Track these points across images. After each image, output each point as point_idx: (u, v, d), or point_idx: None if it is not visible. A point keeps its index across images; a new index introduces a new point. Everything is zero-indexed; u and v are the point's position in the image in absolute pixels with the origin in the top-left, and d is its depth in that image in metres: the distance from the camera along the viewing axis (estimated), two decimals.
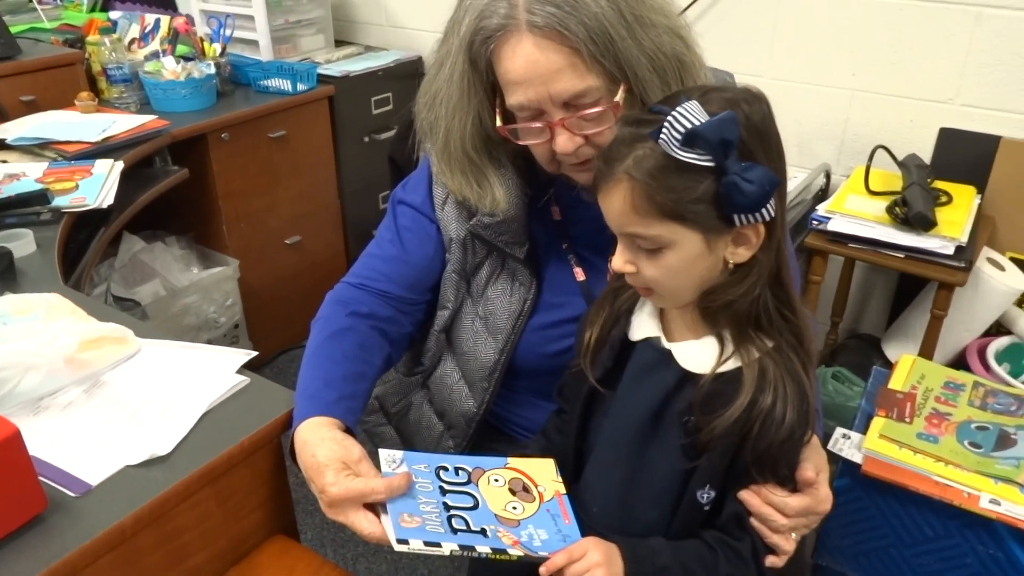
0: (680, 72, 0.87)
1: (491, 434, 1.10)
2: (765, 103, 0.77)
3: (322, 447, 0.81)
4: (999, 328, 1.79)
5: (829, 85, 1.94)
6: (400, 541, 0.74)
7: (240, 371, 0.97)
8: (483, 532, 0.78)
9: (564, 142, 0.86)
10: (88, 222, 1.59)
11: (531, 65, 0.83)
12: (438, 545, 0.75)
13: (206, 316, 2.20)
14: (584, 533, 0.83)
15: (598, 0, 0.81)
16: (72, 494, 0.78)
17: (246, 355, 1.00)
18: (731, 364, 0.78)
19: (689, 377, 0.81)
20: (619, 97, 0.84)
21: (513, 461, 0.88)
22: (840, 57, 1.90)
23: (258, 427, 0.88)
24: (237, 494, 0.88)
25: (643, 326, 0.85)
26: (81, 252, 1.55)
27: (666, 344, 0.83)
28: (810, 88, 1.95)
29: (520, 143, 0.91)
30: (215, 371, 0.97)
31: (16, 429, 0.71)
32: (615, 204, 0.75)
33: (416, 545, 0.75)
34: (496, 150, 0.96)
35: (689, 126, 0.69)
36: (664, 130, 0.70)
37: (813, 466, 0.82)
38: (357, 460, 0.81)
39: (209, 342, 2.20)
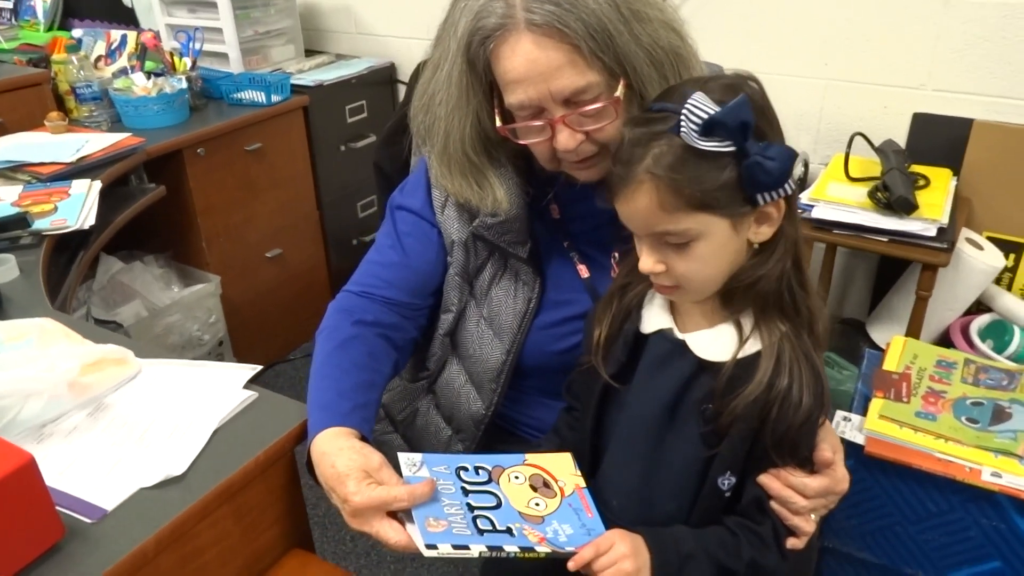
0: (677, 65, 0.88)
1: (500, 436, 1.09)
2: (758, 82, 0.79)
3: (341, 457, 0.80)
4: (980, 306, 1.83)
5: (803, 75, 1.97)
6: (429, 547, 0.74)
7: (247, 385, 0.96)
8: (509, 531, 0.77)
9: (565, 139, 0.87)
10: (67, 244, 1.56)
11: (531, 63, 0.83)
12: (466, 548, 0.75)
13: (190, 334, 2.17)
14: (606, 526, 0.83)
15: None
16: (88, 520, 0.77)
17: (252, 370, 0.99)
18: (749, 349, 0.79)
19: (704, 366, 0.81)
20: (619, 92, 0.85)
21: (531, 457, 0.87)
22: (813, 47, 1.93)
23: (272, 441, 0.87)
24: (254, 510, 0.87)
25: (655, 318, 0.86)
26: (63, 275, 1.52)
27: (679, 335, 0.83)
28: (785, 79, 1.98)
29: (520, 142, 0.91)
30: (222, 387, 0.95)
31: (31, 457, 0.70)
32: (640, 206, 0.75)
33: (445, 549, 0.74)
34: (495, 150, 0.96)
35: (705, 115, 0.70)
36: (683, 123, 0.71)
37: (830, 447, 0.83)
38: (378, 468, 0.80)
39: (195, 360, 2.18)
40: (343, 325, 0.98)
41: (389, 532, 0.76)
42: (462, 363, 1.07)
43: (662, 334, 0.84)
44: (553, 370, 0.99)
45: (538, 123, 0.87)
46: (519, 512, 0.80)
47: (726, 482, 0.81)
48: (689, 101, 0.70)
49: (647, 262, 0.78)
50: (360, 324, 0.98)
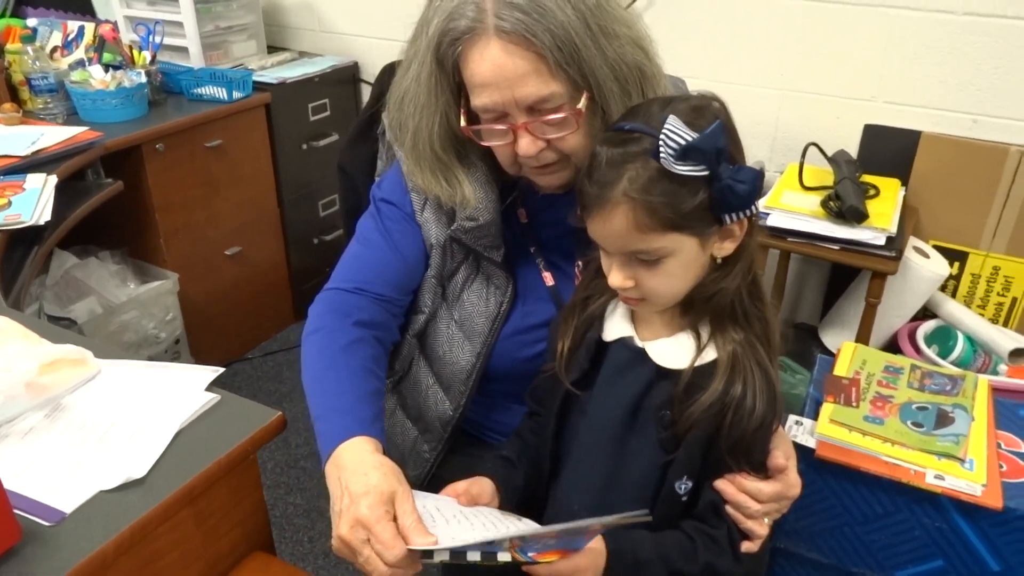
0: (641, 82, 0.90)
1: (466, 439, 1.10)
2: (722, 102, 0.81)
3: (375, 474, 0.78)
4: (926, 312, 1.90)
5: (760, 85, 2.01)
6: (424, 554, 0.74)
7: (209, 388, 0.95)
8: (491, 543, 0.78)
9: (526, 145, 0.88)
10: (21, 240, 1.53)
11: (497, 69, 0.84)
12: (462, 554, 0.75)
13: (146, 332, 2.13)
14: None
15: (564, 9, 0.83)
16: (46, 523, 0.76)
17: (214, 372, 0.98)
18: (707, 357, 0.82)
19: (663, 373, 0.84)
20: (582, 104, 0.86)
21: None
22: (769, 58, 1.98)
23: (234, 444, 0.87)
24: (216, 513, 0.87)
25: (616, 327, 0.88)
26: (16, 271, 1.49)
27: (640, 343, 0.86)
28: (742, 89, 2.03)
29: (483, 144, 0.93)
30: (183, 389, 0.95)
31: None
32: (616, 226, 0.77)
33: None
34: (464, 149, 0.97)
35: (683, 141, 0.72)
36: (662, 148, 0.73)
37: (783, 453, 0.86)
38: (402, 499, 0.77)
39: (150, 359, 2.14)
40: (344, 326, 0.95)
41: (376, 562, 0.74)
42: (430, 364, 1.08)
43: (623, 342, 0.86)
44: (520, 376, 1.01)
45: (501, 127, 0.89)
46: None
47: (683, 486, 0.83)
48: (666, 126, 0.72)
49: (617, 278, 0.80)
50: (360, 326, 0.96)
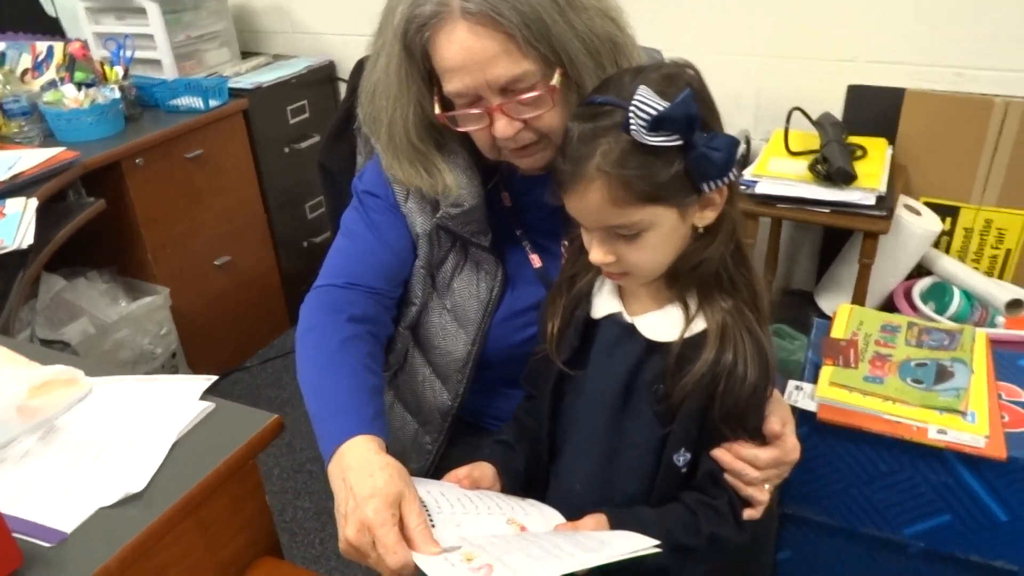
0: (614, 53, 0.89)
1: (465, 428, 1.10)
2: (695, 69, 0.80)
3: (382, 475, 0.77)
4: (920, 269, 1.89)
5: (740, 53, 2.00)
6: None
7: (204, 396, 0.94)
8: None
9: (503, 127, 0.87)
10: (5, 265, 1.51)
11: (466, 52, 0.83)
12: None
13: (141, 349, 2.13)
14: (569, 511, 0.85)
15: None
16: (47, 544, 0.75)
17: (207, 380, 0.98)
18: (696, 327, 0.81)
19: (654, 347, 0.83)
20: (555, 81, 0.85)
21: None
22: (748, 24, 1.97)
23: (232, 451, 0.86)
24: (217, 522, 0.86)
25: (604, 304, 0.87)
26: (3, 297, 1.48)
27: (628, 318, 0.85)
28: (722, 58, 2.02)
29: (460, 130, 0.92)
30: (177, 400, 0.94)
31: None
32: (592, 202, 0.76)
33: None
34: (442, 137, 0.96)
35: (653, 111, 0.71)
36: (632, 119, 0.72)
37: (779, 419, 0.85)
38: (409, 501, 0.76)
39: (148, 375, 2.14)
40: (337, 323, 0.94)
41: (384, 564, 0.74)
42: (425, 355, 1.07)
43: (612, 319, 0.86)
44: (515, 361, 1.00)
45: (476, 111, 0.88)
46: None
47: (681, 458, 0.83)
48: (636, 97, 0.71)
49: (598, 254, 0.79)
50: (353, 322, 0.94)
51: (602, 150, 0.74)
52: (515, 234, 1.03)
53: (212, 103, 2.23)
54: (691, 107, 0.71)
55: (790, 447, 0.86)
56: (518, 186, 1.01)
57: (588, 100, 0.79)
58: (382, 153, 0.98)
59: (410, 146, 0.95)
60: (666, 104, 0.71)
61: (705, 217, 0.79)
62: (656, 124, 0.71)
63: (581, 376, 0.88)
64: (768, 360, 0.82)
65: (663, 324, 0.83)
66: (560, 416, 0.92)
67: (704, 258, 0.80)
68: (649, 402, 0.83)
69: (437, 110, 0.90)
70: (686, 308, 0.82)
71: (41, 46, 2.31)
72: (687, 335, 0.81)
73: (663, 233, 0.78)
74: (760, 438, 0.85)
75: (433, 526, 0.76)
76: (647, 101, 0.71)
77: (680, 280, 0.82)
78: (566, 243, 0.99)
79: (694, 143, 0.73)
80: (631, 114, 0.72)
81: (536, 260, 1.02)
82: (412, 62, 0.89)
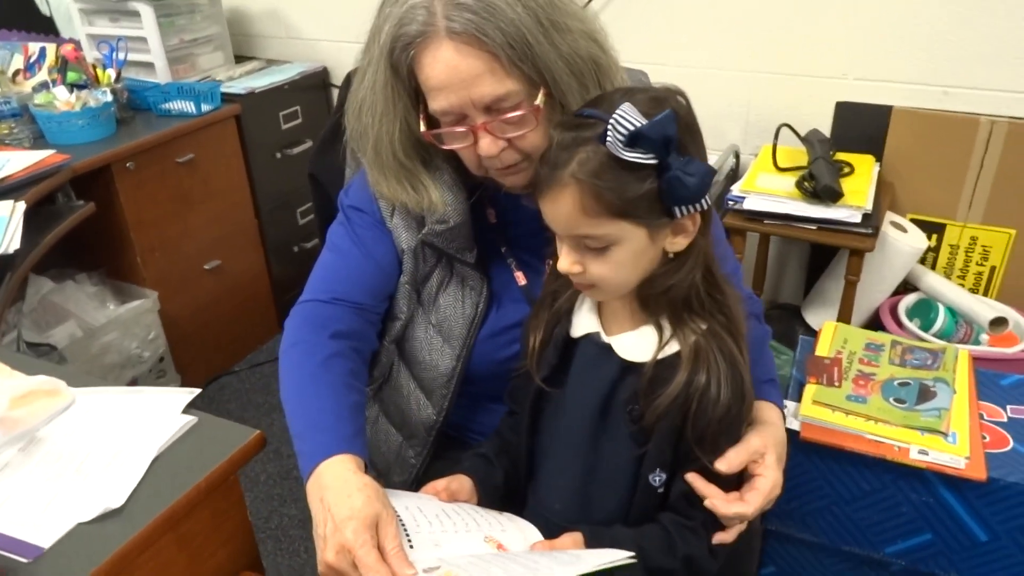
0: (597, 75, 0.89)
1: (449, 443, 1.10)
2: (685, 97, 0.81)
3: (359, 497, 0.77)
4: (907, 286, 1.91)
5: (730, 68, 2.01)
6: None
7: (186, 410, 0.94)
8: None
9: (487, 145, 0.88)
10: None
11: (451, 70, 0.84)
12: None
13: (128, 353, 2.12)
14: (547, 528, 0.85)
15: (514, 7, 0.82)
16: (24, 560, 0.75)
17: (189, 393, 0.97)
18: (670, 349, 0.82)
19: (630, 367, 0.84)
20: (539, 100, 0.86)
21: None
22: (738, 40, 1.98)
23: (215, 465, 0.86)
24: (198, 537, 0.86)
25: (583, 322, 0.88)
26: None
27: (605, 338, 0.86)
28: (713, 72, 2.03)
29: (446, 147, 0.92)
30: (159, 413, 0.94)
31: None
32: (563, 208, 0.77)
33: None
34: (427, 154, 0.96)
35: (632, 127, 0.72)
36: (610, 132, 0.73)
37: (749, 450, 0.85)
38: (386, 523, 0.77)
39: (134, 379, 2.14)
40: (320, 339, 0.94)
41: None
42: (410, 369, 1.07)
43: (590, 338, 0.87)
44: (499, 377, 1.00)
45: (461, 129, 0.88)
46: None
47: (657, 479, 0.83)
48: (617, 111, 0.72)
49: (565, 262, 0.80)
50: (337, 338, 0.94)
51: (579, 159, 0.75)
52: (500, 251, 1.03)
53: (204, 107, 2.23)
54: (669, 128, 0.72)
55: (771, 486, 0.86)
56: (503, 203, 1.01)
57: (576, 112, 0.81)
58: (368, 169, 0.98)
59: (396, 163, 0.95)
60: (645, 122, 0.72)
61: (676, 243, 0.80)
62: (633, 140, 0.72)
63: (560, 394, 0.89)
64: (743, 383, 0.83)
65: (638, 345, 0.84)
66: (539, 433, 0.92)
67: (671, 284, 0.81)
68: (625, 422, 0.84)
69: (423, 128, 0.91)
70: (660, 329, 0.82)
71: (34, 47, 2.31)
72: (661, 356, 0.82)
73: (631, 251, 0.78)
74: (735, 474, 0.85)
75: (411, 546, 0.77)
76: (627, 117, 0.72)
77: (650, 303, 0.83)
78: (549, 261, 1.00)
79: (669, 164, 0.73)
80: (610, 127, 0.73)
81: (521, 277, 1.02)
82: (398, 79, 0.89)
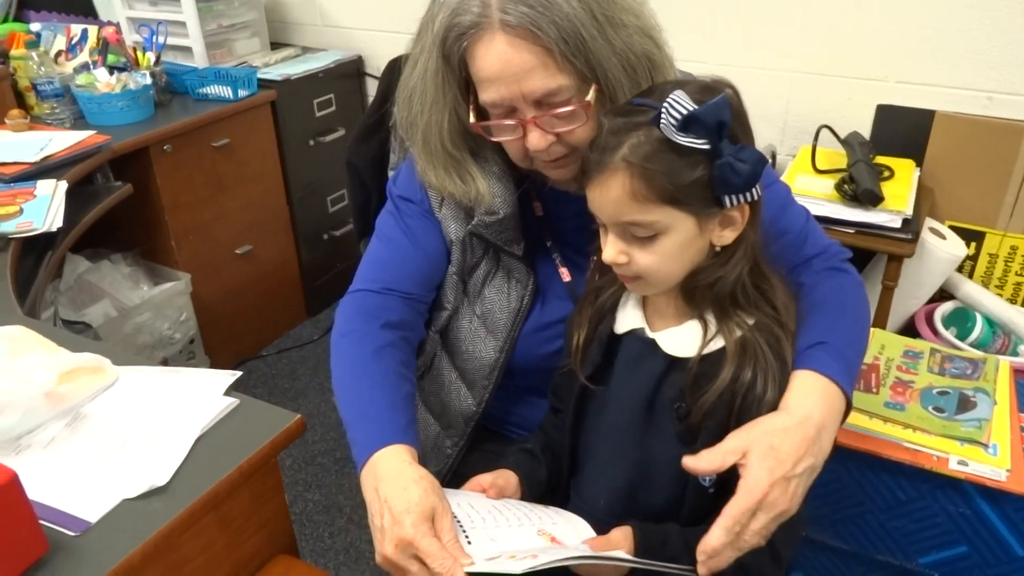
0: (650, 71, 0.89)
1: (486, 435, 1.10)
2: (735, 88, 0.80)
3: (416, 488, 0.78)
4: (943, 294, 1.88)
5: (769, 68, 1.99)
6: None
7: (228, 392, 0.95)
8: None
9: (536, 139, 0.87)
10: (34, 246, 1.53)
11: (504, 63, 0.83)
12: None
13: (160, 333, 2.14)
14: (592, 525, 0.85)
15: (570, 1, 0.82)
16: (72, 533, 0.76)
17: (231, 376, 0.98)
18: (715, 344, 0.81)
19: (676, 363, 0.83)
20: (590, 96, 0.85)
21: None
22: (778, 40, 1.96)
23: (255, 448, 0.86)
24: (238, 518, 0.87)
25: (627, 319, 0.87)
26: (30, 278, 1.49)
27: (650, 333, 0.85)
28: (751, 72, 2.01)
29: (493, 139, 0.92)
30: (202, 395, 0.95)
31: (13, 473, 0.69)
32: (612, 192, 0.76)
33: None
34: (476, 145, 0.96)
35: (685, 111, 0.71)
36: (663, 116, 0.72)
37: (715, 454, 0.77)
38: (441, 515, 0.78)
39: (165, 360, 2.16)
40: (372, 329, 0.95)
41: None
42: (452, 359, 1.07)
43: (634, 334, 0.86)
44: (541, 371, 1.00)
45: (510, 122, 0.88)
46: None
47: (707, 479, 0.82)
48: (670, 96, 0.72)
49: (611, 252, 0.79)
50: (388, 328, 0.95)
51: (631, 143, 0.75)
52: (546, 245, 1.03)
53: (241, 93, 2.24)
54: (723, 112, 0.72)
55: (754, 487, 0.74)
56: (550, 197, 1.01)
57: (627, 102, 0.81)
58: (417, 157, 0.98)
59: (444, 152, 0.95)
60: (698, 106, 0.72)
61: (724, 236, 0.79)
62: (686, 123, 0.72)
63: (604, 391, 0.88)
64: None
65: (683, 340, 0.83)
66: (583, 430, 0.92)
67: (718, 277, 0.80)
68: (671, 420, 0.83)
69: (472, 119, 0.90)
70: (705, 324, 0.82)
71: (76, 28, 2.33)
72: (706, 351, 0.81)
73: (679, 241, 0.77)
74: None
75: (469, 541, 0.77)
76: (680, 101, 0.72)
77: (696, 297, 0.82)
78: (594, 257, 1.00)
79: (721, 150, 0.73)
80: (664, 111, 0.73)
81: (566, 274, 1.02)
82: (449, 69, 0.89)
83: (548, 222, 1.02)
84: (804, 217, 1.02)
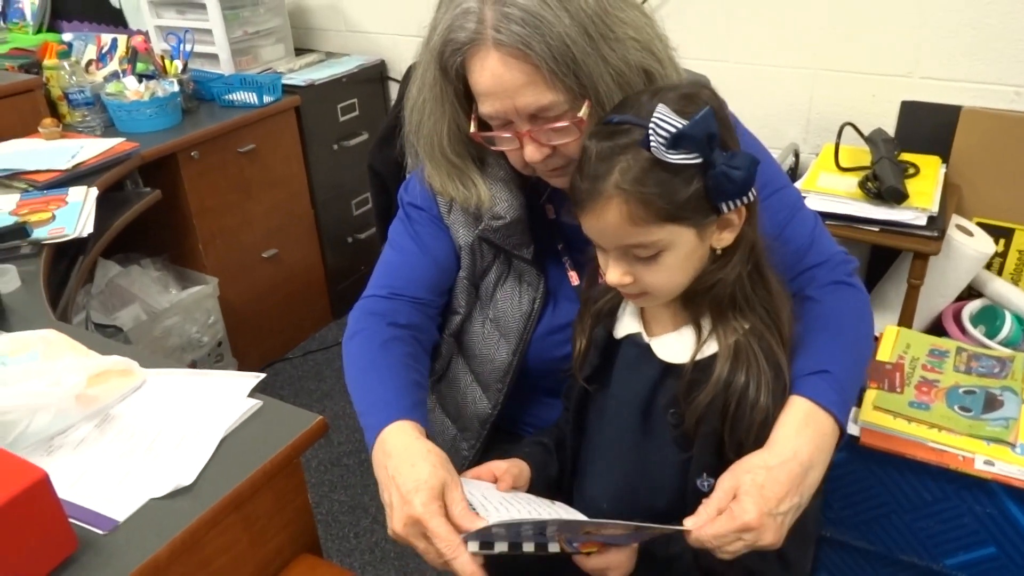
0: (647, 84, 0.88)
1: (502, 436, 1.11)
2: (712, 89, 0.80)
3: (424, 464, 0.79)
4: (971, 292, 1.85)
5: (791, 66, 1.98)
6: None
7: (251, 394, 0.97)
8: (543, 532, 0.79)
9: (532, 152, 0.88)
10: (66, 252, 1.56)
11: (496, 79, 0.84)
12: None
13: (189, 336, 2.18)
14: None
15: (562, 19, 0.81)
16: (100, 532, 0.78)
17: (255, 378, 1.00)
18: (708, 350, 0.81)
19: (670, 370, 0.83)
20: (583, 112, 0.85)
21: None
22: (800, 37, 1.94)
23: (278, 449, 0.88)
24: (262, 518, 0.88)
25: (626, 324, 0.88)
26: (62, 283, 1.53)
27: (646, 339, 0.85)
28: (774, 70, 1.99)
29: (495, 149, 0.93)
30: (226, 396, 0.97)
31: (44, 473, 0.71)
32: (609, 220, 0.75)
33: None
34: (480, 151, 0.98)
35: (673, 129, 0.71)
36: (651, 136, 0.72)
37: (712, 501, 0.77)
38: (451, 488, 0.79)
39: (194, 362, 2.19)
40: (379, 327, 0.97)
41: (434, 552, 0.76)
42: (467, 362, 1.09)
43: (631, 339, 0.86)
44: (554, 374, 1.01)
45: (507, 134, 0.89)
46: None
47: (706, 484, 0.81)
48: (655, 115, 0.71)
49: (614, 275, 0.79)
50: (395, 327, 0.98)
51: (620, 168, 0.74)
52: (557, 248, 1.03)
53: (266, 99, 2.27)
54: (711, 125, 0.71)
55: (743, 516, 0.74)
56: (560, 200, 1.01)
57: (606, 120, 0.79)
58: (424, 162, 1.00)
59: (446, 160, 0.97)
60: (685, 122, 0.71)
61: (724, 239, 0.79)
62: (676, 141, 0.71)
63: (604, 395, 0.89)
64: (785, 384, 0.81)
65: (678, 346, 0.83)
66: (585, 433, 0.93)
67: (719, 279, 0.79)
68: (666, 426, 0.83)
69: (472, 128, 0.92)
70: (699, 330, 0.81)
71: (105, 38, 2.38)
72: (699, 357, 0.81)
73: (682, 254, 0.77)
74: None
75: None
76: (666, 118, 0.71)
77: (694, 301, 0.81)
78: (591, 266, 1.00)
79: (713, 161, 0.72)
80: (651, 131, 0.72)
81: (575, 277, 1.02)
82: (447, 82, 0.90)
83: (559, 226, 1.03)
84: (812, 223, 1.01)
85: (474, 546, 0.76)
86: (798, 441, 0.79)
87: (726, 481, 0.78)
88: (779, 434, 0.79)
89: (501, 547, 0.77)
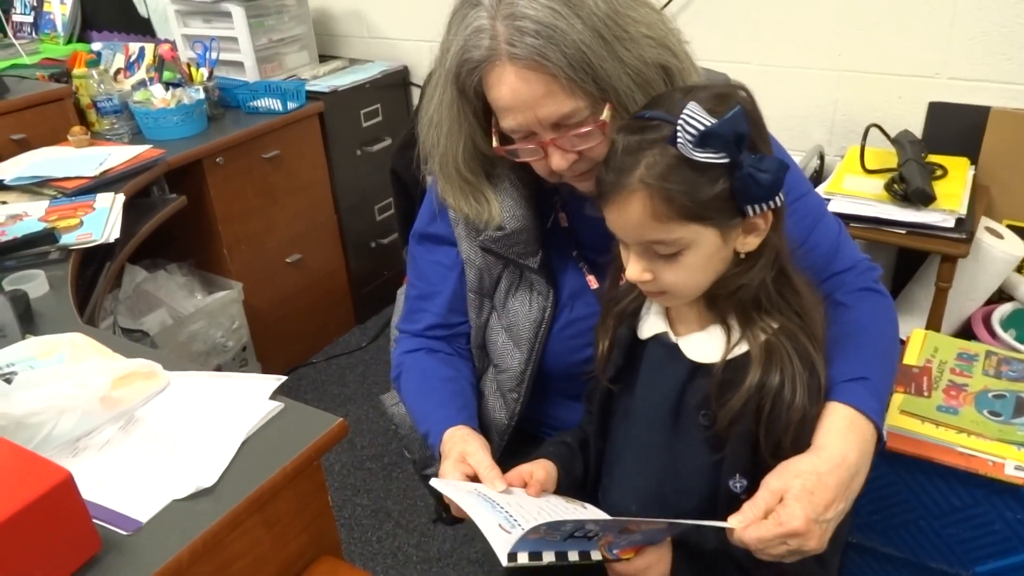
0: (667, 81, 0.88)
1: (523, 439, 1.11)
2: (748, 91, 0.79)
3: (455, 445, 0.94)
4: (1001, 295, 1.82)
5: (816, 67, 1.96)
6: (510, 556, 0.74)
7: (273, 396, 0.98)
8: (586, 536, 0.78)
9: (558, 160, 0.89)
10: (93, 257, 1.59)
11: (515, 94, 0.85)
12: (538, 556, 0.76)
13: (214, 341, 2.20)
14: None
15: (575, 25, 0.81)
16: (124, 532, 0.79)
17: (276, 380, 1.01)
18: (739, 349, 0.80)
19: (699, 369, 0.82)
20: (605, 115, 0.85)
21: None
22: (825, 38, 1.92)
23: (299, 451, 0.89)
24: (283, 519, 0.89)
25: (651, 323, 0.87)
26: (90, 288, 1.55)
27: (673, 339, 0.84)
28: (798, 71, 1.97)
29: (519, 161, 0.93)
30: (248, 398, 0.97)
31: (68, 474, 0.72)
32: (632, 214, 0.75)
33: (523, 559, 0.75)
34: (493, 167, 0.98)
35: (701, 127, 0.70)
36: (679, 133, 0.71)
37: (759, 501, 0.77)
38: (473, 452, 0.91)
39: (218, 367, 2.22)
40: (418, 357, 1.10)
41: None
42: (494, 372, 1.10)
43: (658, 339, 0.86)
44: (574, 376, 1.01)
45: (531, 146, 0.89)
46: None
47: (738, 485, 0.81)
48: (685, 111, 0.71)
49: (635, 270, 0.79)
50: (431, 353, 1.10)
51: (647, 162, 0.73)
52: (572, 255, 1.03)
53: (290, 105, 2.29)
54: (740, 125, 0.70)
55: (789, 520, 0.74)
56: (573, 206, 1.01)
57: (637, 115, 0.79)
58: (438, 178, 1.00)
59: (460, 178, 0.98)
60: (714, 121, 0.70)
61: (748, 243, 0.78)
62: (703, 139, 0.70)
63: (629, 397, 0.88)
64: (820, 384, 0.80)
65: (707, 345, 0.82)
66: (610, 435, 0.92)
67: (742, 284, 0.78)
68: (697, 427, 0.82)
69: (495, 143, 0.92)
70: (728, 329, 0.80)
71: (133, 47, 2.42)
72: (730, 356, 0.80)
73: (703, 254, 0.76)
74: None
75: (520, 527, 0.77)
76: (696, 116, 0.71)
77: (719, 303, 0.81)
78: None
79: (741, 162, 0.72)
80: (679, 128, 0.71)
81: (593, 281, 1.02)
82: (465, 100, 0.91)
83: (573, 232, 1.03)
84: (837, 229, 1.01)
85: (523, 557, 0.75)
86: (846, 446, 0.79)
87: (773, 482, 0.77)
88: (827, 439, 0.79)
89: (549, 557, 0.76)
